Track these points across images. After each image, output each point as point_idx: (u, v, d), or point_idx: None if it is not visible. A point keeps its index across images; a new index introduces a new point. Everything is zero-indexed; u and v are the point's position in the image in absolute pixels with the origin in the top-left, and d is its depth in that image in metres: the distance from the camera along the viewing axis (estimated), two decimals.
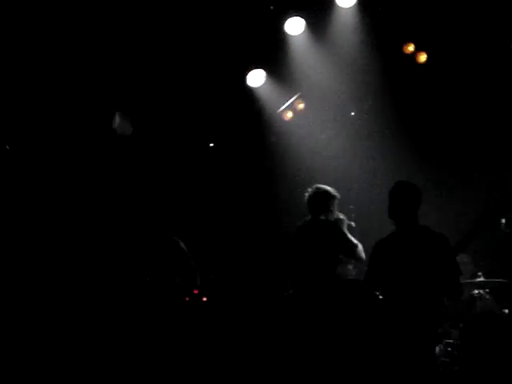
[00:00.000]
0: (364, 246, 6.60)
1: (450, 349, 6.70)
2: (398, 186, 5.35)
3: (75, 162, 8.08)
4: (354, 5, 8.19)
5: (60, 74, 7.90)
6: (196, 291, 6.90)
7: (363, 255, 6.56)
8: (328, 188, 6.77)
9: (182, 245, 6.90)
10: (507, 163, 8.57)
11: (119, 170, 8.33)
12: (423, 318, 5.10)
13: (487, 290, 7.38)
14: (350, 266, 7.77)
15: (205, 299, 7.69)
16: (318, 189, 6.75)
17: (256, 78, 8.86)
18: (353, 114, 9.34)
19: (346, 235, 6.64)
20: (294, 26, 8.47)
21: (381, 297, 5.55)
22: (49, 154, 7.94)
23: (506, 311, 6.99)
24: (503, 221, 7.46)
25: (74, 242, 7.73)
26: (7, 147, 7.37)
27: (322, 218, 6.66)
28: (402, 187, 5.33)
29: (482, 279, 7.42)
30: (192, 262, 6.85)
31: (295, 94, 9.15)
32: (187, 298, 7.50)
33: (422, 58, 8.68)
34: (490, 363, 6.27)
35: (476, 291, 7.38)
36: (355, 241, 6.64)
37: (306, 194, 6.79)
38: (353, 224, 7.07)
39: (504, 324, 6.58)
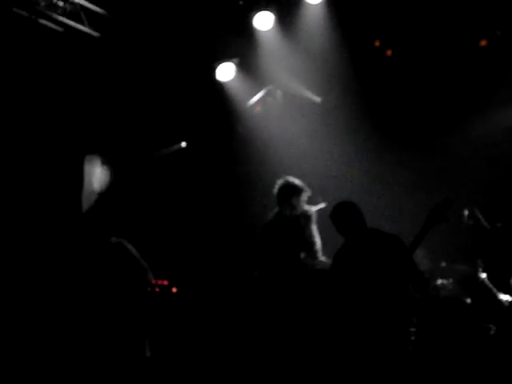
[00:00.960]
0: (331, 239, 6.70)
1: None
2: (336, 209, 5.58)
3: None
4: (322, 1, 8.28)
5: None
6: (149, 288, 6.88)
7: (319, 254, 6.59)
8: (296, 182, 6.70)
9: (129, 246, 6.79)
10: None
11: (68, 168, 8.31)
12: (392, 319, 5.21)
13: (450, 280, 7.56)
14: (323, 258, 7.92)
15: (175, 290, 7.74)
16: (286, 182, 6.69)
17: (225, 72, 8.89)
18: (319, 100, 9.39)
19: (304, 232, 6.60)
20: (264, 21, 8.51)
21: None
22: None
23: (469, 300, 7.20)
24: (466, 213, 7.66)
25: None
26: None
27: (287, 212, 6.64)
28: (339, 209, 5.57)
29: (444, 264, 7.68)
30: (142, 262, 6.76)
31: (265, 88, 9.23)
32: (157, 289, 7.57)
33: (389, 52, 8.83)
34: (445, 347, 6.45)
35: (440, 281, 7.56)
36: (316, 238, 6.58)
37: (275, 186, 6.76)
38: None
39: (464, 310, 6.78)
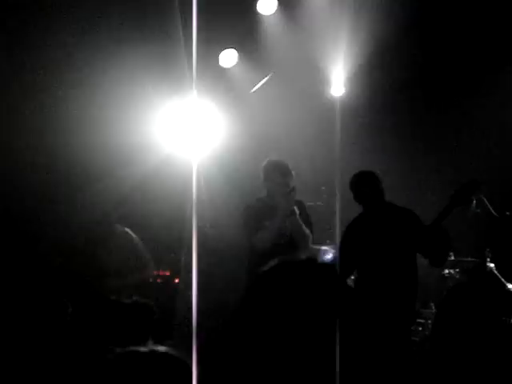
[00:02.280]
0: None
1: (420, 328, 6.78)
2: (357, 177, 5.57)
3: None
4: None
5: None
6: (151, 279, 6.81)
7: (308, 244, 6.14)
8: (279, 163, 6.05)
9: (133, 235, 6.71)
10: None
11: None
12: (402, 294, 5.18)
13: (457, 270, 7.45)
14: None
15: (177, 281, 7.67)
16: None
17: (228, 58, 8.79)
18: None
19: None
20: (267, 5, 8.43)
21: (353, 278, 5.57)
22: None
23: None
24: (473, 201, 7.52)
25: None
26: None
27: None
28: (360, 177, 5.55)
29: (452, 258, 7.50)
30: (144, 251, 6.68)
31: (268, 75, 9.12)
32: (158, 280, 7.49)
33: None
34: (464, 342, 6.31)
35: (446, 271, 7.45)
36: (306, 230, 6.00)
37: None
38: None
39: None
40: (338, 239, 6.30)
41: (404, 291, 5.23)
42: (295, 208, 5.74)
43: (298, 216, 5.67)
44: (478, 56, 8.65)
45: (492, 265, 7.23)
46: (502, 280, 7.08)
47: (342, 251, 5.54)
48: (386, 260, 5.24)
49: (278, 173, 5.82)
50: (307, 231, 5.70)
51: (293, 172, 5.88)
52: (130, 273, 6.54)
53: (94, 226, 6.61)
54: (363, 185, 5.44)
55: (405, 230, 5.26)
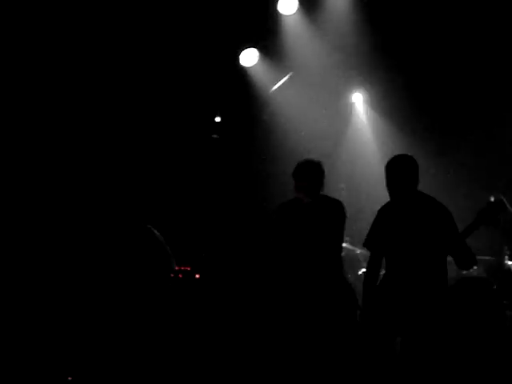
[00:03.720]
0: (356, 225, 6.65)
1: None
2: (395, 160, 5.35)
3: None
4: None
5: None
6: (172, 275, 6.87)
7: None
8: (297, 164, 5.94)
9: (156, 232, 6.80)
10: None
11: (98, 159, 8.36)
12: (428, 284, 5.10)
13: (475, 268, 7.48)
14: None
15: (198, 276, 7.73)
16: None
17: (249, 58, 8.86)
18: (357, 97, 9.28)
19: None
20: (287, 6, 8.48)
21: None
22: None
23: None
24: (491, 199, 7.54)
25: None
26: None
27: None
28: (399, 160, 5.34)
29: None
30: (167, 249, 6.75)
31: (287, 74, 9.18)
32: (180, 275, 7.57)
33: None
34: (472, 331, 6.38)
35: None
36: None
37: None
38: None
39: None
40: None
41: (429, 287, 5.13)
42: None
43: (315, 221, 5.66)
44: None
45: (510, 262, 7.25)
46: None
47: (372, 234, 5.46)
48: (413, 251, 5.13)
49: (294, 176, 5.79)
50: (325, 239, 5.64)
51: (308, 173, 5.77)
52: (156, 266, 6.64)
53: (120, 222, 6.72)
54: (400, 170, 5.32)
55: (435, 221, 5.13)
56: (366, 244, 5.46)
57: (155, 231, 6.88)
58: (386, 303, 5.22)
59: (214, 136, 9.33)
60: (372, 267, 5.38)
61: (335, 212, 5.71)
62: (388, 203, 5.41)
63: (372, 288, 5.32)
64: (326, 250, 5.68)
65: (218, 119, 9.27)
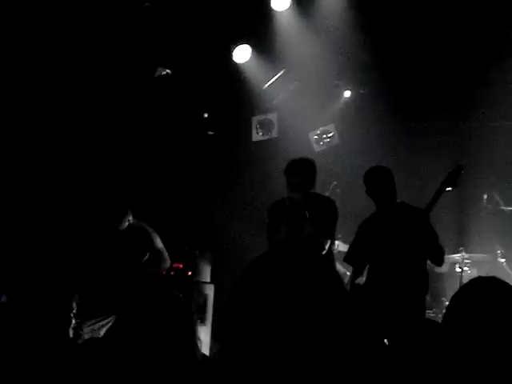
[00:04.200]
0: (349, 222, 6.63)
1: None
2: (372, 172, 5.61)
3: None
4: None
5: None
6: (164, 271, 6.87)
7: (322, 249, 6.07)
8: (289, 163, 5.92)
9: (148, 227, 6.78)
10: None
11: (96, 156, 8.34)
12: (410, 289, 5.26)
13: (468, 266, 7.47)
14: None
15: (190, 273, 7.74)
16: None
17: (242, 54, 8.82)
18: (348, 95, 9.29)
19: None
20: (280, 1, 8.43)
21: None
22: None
23: None
24: (485, 197, 7.56)
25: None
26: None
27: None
28: (375, 172, 5.59)
29: (463, 254, 7.53)
30: (159, 243, 6.74)
31: (281, 70, 9.14)
32: (172, 273, 7.56)
33: None
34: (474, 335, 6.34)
35: (458, 267, 7.48)
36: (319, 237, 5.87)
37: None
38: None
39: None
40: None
41: (412, 292, 5.29)
42: (306, 213, 5.68)
43: (308, 222, 5.63)
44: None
45: (502, 260, 7.25)
46: None
47: (353, 249, 5.64)
48: (394, 259, 5.29)
49: (286, 173, 5.77)
50: (320, 238, 5.64)
51: (300, 171, 5.75)
52: (151, 263, 6.63)
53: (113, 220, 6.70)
54: (376, 180, 5.48)
55: (415, 230, 5.30)
56: (346, 259, 5.67)
57: (148, 228, 6.87)
58: (371, 308, 5.33)
59: (210, 133, 9.32)
60: (354, 280, 5.55)
61: (327, 210, 5.73)
62: (367, 218, 5.65)
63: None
64: (317, 248, 5.65)
65: (205, 115, 9.26)
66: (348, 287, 5.58)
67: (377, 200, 5.55)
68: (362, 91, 9.30)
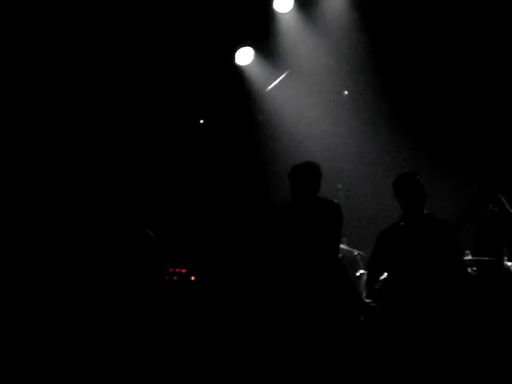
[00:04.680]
0: (352, 225, 6.59)
1: None
2: (401, 178, 5.47)
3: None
4: None
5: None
6: (167, 276, 6.85)
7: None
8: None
9: (150, 233, 6.79)
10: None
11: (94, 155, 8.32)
12: (431, 302, 5.19)
13: (475, 269, 7.41)
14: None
15: (193, 278, 7.67)
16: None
17: (245, 56, 8.80)
18: (346, 93, 9.25)
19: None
20: (283, 4, 8.43)
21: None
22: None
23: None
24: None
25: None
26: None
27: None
28: (404, 178, 5.45)
29: (469, 258, 7.46)
30: (161, 249, 6.75)
31: (284, 72, 9.11)
32: (175, 278, 7.50)
33: None
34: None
35: None
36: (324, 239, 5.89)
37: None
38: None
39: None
40: None
41: (432, 304, 5.23)
42: (310, 218, 5.61)
43: (313, 226, 5.56)
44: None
45: (510, 263, 7.19)
46: None
47: (374, 256, 5.56)
48: (415, 271, 5.23)
49: (290, 177, 5.69)
50: (322, 244, 5.58)
51: (304, 175, 5.69)
52: (153, 267, 6.63)
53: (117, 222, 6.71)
54: (404, 187, 5.38)
55: (440, 244, 5.23)
56: (368, 267, 5.59)
57: (149, 231, 6.85)
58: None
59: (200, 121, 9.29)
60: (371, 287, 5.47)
61: (332, 214, 5.68)
62: (392, 225, 5.51)
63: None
64: (323, 252, 5.62)
65: (201, 121, 9.25)
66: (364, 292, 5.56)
67: (403, 207, 5.44)
68: (361, 93, 9.26)
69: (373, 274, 5.59)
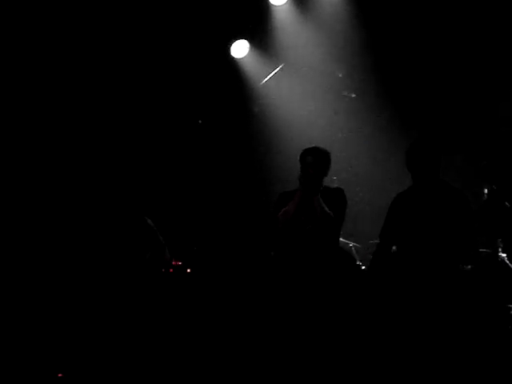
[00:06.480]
0: (348, 217, 6.59)
1: None
2: (416, 144, 5.33)
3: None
4: None
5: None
6: (163, 269, 6.90)
7: (330, 224, 5.94)
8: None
9: (149, 222, 6.83)
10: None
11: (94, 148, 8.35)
12: (442, 271, 5.12)
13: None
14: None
15: (189, 271, 7.70)
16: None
17: (240, 49, 8.80)
18: (344, 92, 9.25)
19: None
20: None
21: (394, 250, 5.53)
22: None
23: None
24: (485, 191, 7.51)
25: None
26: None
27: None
28: (419, 145, 5.33)
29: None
30: (160, 238, 6.79)
31: (279, 66, 9.11)
32: (171, 270, 7.53)
33: None
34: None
35: None
36: (328, 211, 5.85)
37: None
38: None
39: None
40: None
41: (439, 280, 5.15)
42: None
43: (319, 196, 5.68)
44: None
45: (504, 255, 7.20)
46: None
47: (387, 221, 5.48)
48: (425, 235, 5.13)
49: (301, 157, 5.87)
50: (330, 212, 5.64)
51: (315, 152, 5.88)
52: (153, 258, 6.68)
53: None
54: (418, 153, 5.27)
55: (451, 209, 5.14)
56: (381, 236, 5.47)
57: (149, 220, 6.89)
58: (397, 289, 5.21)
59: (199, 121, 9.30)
60: (382, 256, 5.39)
61: (337, 197, 5.74)
62: (402, 192, 5.39)
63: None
64: (329, 239, 5.73)
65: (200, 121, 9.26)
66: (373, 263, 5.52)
67: (416, 174, 5.31)
68: (354, 95, 9.27)
69: (383, 245, 5.44)
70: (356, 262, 7.65)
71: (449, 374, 5.20)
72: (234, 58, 8.83)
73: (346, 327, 5.73)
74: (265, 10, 8.48)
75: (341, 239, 7.89)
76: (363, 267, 7.07)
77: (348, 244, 8.00)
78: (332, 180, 7.75)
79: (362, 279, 5.97)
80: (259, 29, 8.65)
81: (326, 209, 5.63)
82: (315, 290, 5.64)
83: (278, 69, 9.07)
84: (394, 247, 5.44)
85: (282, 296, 5.88)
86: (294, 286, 5.76)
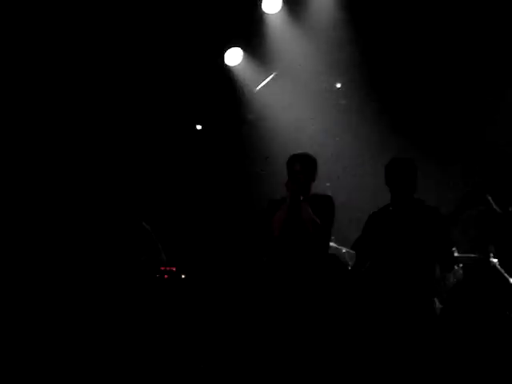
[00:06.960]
0: (340, 223, 6.62)
1: None
2: (394, 162, 5.46)
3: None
4: None
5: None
6: (162, 268, 6.92)
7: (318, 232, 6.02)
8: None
9: (146, 226, 6.86)
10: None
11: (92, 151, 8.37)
12: (415, 290, 5.21)
13: (461, 265, 7.48)
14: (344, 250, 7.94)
15: (183, 276, 7.71)
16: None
17: (233, 57, 8.84)
18: (339, 86, 9.29)
19: None
20: (272, 4, 8.47)
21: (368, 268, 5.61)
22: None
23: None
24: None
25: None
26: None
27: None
28: (397, 163, 5.45)
29: (456, 255, 7.53)
30: (156, 241, 6.82)
31: (272, 73, 9.16)
32: (166, 276, 7.54)
33: None
34: (468, 335, 6.39)
35: None
36: (315, 218, 5.93)
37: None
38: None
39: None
40: None
41: (414, 293, 5.23)
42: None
43: (307, 203, 5.67)
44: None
45: (495, 260, 7.25)
46: (506, 275, 7.10)
47: (360, 239, 5.59)
48: (399, 253, 5.22)
49: (288, 164, 5.86)
50: (317, 220, 5.64)
51: (303, 159, 5.88)
52: (148, 262, 6.71)
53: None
54: (396, 171, 5.39)
55: (426, 230, 5.24)
56: (354, 247, 5.57)
57: (145, 224, 6.93)
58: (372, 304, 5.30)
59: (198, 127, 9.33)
60: (357, 270, 5.49)
61: (325, 205, 5.76)
62: (380, 209, 5.52)
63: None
64: (318, 246, 5.73)
65: (199, 127, 9.29)
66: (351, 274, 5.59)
67: (392, 192, 5.44)
68: (350, 92, 9.31)
69: (360, 257, 5.60)
70: (348, 267, 7.70)
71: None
72: (227, 65, 8.85)
73: (336, 331, 5.78)
74: (258, 17, 8.52)
75: (334, 245, 7.96)
76: None
77: (341, 249, 8.05)
78: (326, 187, 7.82)
79: (352, 283, 6.00)
80: (253, 36, 8.68)
81: (313, 216, 5.65)
82: (306, 295, 5.69)
83: (270, 77, 9.13)
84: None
85: (274, 301, 5.92)
86: (287, 291, 5.80)
